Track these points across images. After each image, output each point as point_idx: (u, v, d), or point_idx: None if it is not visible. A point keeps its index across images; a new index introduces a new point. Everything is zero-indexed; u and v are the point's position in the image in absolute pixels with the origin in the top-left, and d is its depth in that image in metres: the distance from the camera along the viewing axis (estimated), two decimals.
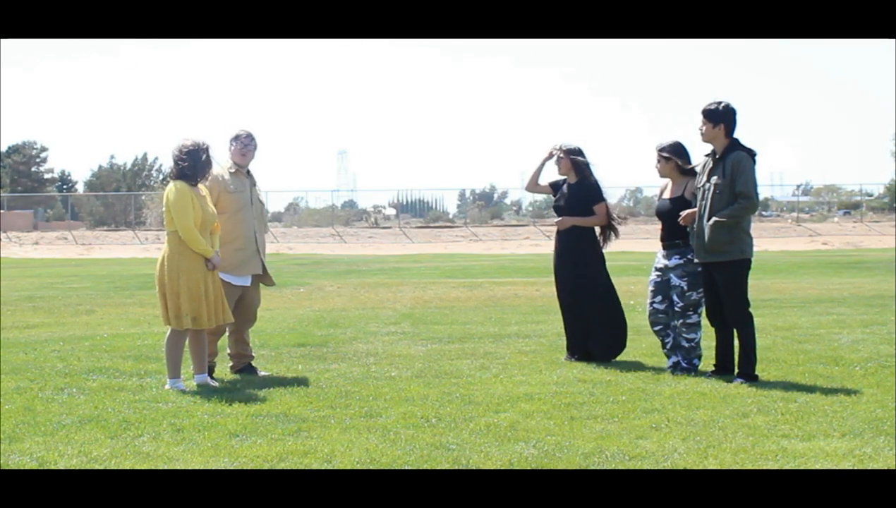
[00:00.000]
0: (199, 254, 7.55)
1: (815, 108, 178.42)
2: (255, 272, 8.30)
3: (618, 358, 8.78)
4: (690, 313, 8.12)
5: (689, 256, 8.07)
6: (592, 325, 8.82)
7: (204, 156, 7.61)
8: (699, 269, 8.02)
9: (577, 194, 8.98)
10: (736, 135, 7.77)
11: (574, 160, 8.99)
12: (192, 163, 7.58)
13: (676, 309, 8.17)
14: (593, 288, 8.87)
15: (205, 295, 7.56)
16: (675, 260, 8.17)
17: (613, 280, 9.08)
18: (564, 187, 9.13)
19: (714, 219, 7.64)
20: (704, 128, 7.76)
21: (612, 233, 9.06)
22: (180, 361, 7.61)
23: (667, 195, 8.36)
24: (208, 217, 7.68)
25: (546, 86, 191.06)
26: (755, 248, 8.03)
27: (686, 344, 8.14)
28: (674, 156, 8.25)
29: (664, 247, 8.27)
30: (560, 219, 9.05)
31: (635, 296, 14.04)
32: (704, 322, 8.16)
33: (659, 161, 8.31)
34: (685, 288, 8.11)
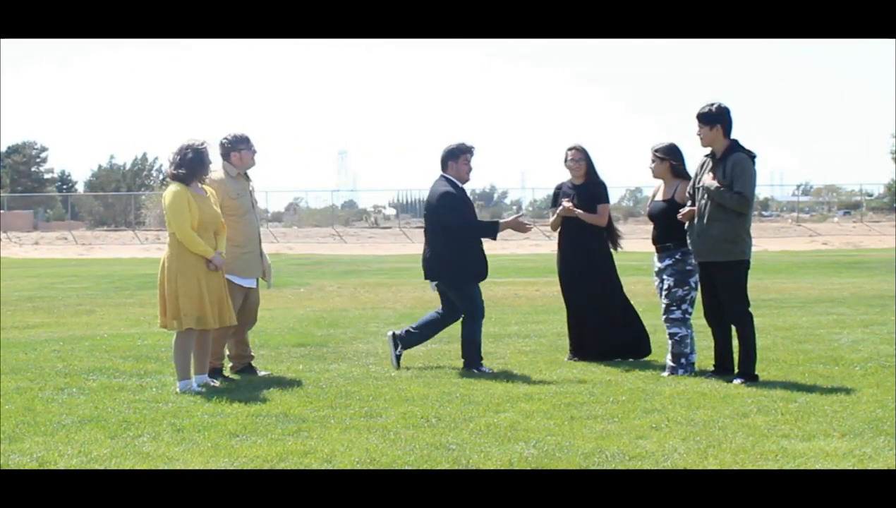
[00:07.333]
0: (198, 255, 7.54)
1: (816, 108, 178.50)
2: (259, 274, 8.40)
3: (617, 359, 8.77)
4: (674, 309, 8.15)
5: (678, 256, 8.12)
6: (613, 325, 8.84)
7: (199, 157, 7.60)
8: (688, 268, 8.08)
9: (585, 193, 8.98)
10: (735, 135, 7.77)
11: (590, 161, 9.01)
12: (188, 164, 7.58)
13: (662, 304, 8.21)
14: (608, 286, 8.89)
15: (207, 296, 7.54)
16: (666, 262, 8.22)
17: None
18: (567, 188, 9.11)
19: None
20: (701, 132, 7.75)
21: (614, 240, 9.06)
22: (189, 363, 7.62)
23: (659, 197, 8.38)
24: (210, 217, 7.65)
25: (546, 85, 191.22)
26: (756, 248, 8.03)
27: (669, 339, 8.15)
28: (668, 158, 8.28)
29: (657, 251, 8.31)
30: (567, 205, 8.93)
31: (635, 296, 14.03)
32: (700, 322, 8.16)
33: (653, 161, 8.34)
34: (672, 284, 8.17)
